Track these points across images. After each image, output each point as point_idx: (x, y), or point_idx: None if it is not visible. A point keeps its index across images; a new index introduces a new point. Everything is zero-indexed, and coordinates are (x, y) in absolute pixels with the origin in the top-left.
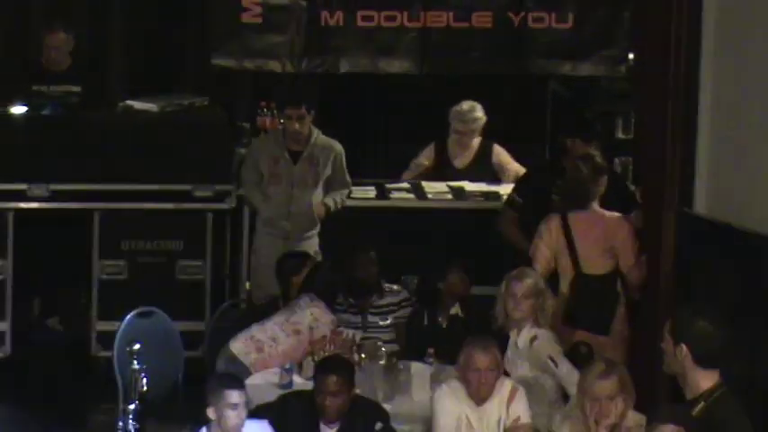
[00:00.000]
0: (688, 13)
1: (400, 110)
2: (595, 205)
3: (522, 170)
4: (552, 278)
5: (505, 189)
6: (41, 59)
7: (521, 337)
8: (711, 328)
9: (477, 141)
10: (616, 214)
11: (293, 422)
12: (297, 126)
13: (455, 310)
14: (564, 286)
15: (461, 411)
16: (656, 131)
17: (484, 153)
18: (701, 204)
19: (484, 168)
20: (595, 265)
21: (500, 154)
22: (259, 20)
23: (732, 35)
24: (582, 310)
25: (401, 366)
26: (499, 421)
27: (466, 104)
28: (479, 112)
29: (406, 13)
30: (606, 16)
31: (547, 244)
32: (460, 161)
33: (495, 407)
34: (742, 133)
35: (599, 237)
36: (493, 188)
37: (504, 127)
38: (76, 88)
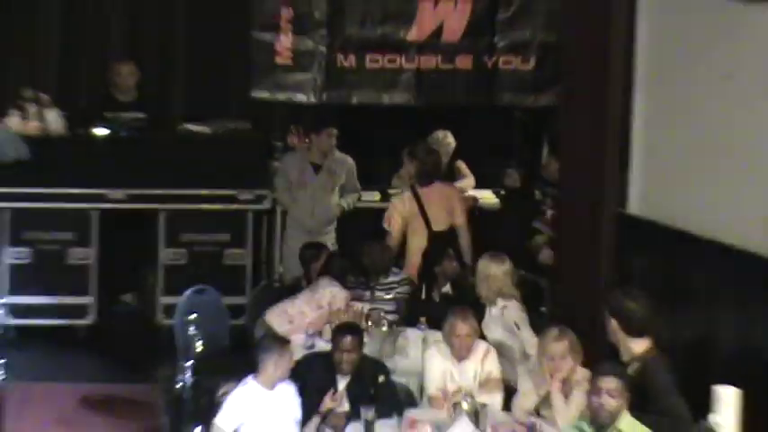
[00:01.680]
0: (624, 36)
1: (397, 133)
2: (437, 182)
3: (472, 180)
4: None
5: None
6: (113, 90)
7: (495, 308)
8: (635, 306)
9: (448, 159)
10: (449, 184)
11: (316, 374)
12: (332, 142)
13: (446, 288)
14: (419, 242)
15: (446, 367)
16: (597, 146)
17: (451, 167)
18: (635, 206)
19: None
20: (440, 223)
21: (461, 167)
22: (289, 62)
23: (660, 59)
24: (436, 255)
25: (399, 332)
26: (475, 375)
27: (440, 132)
28: (450, 138)
29: (403, 57)
30: (559, 58)
31: (400, 213)
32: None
33: (472, 364)
34: (669, 144)
35: (441, 202)
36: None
37: (478, 146)
38: (142, 115)
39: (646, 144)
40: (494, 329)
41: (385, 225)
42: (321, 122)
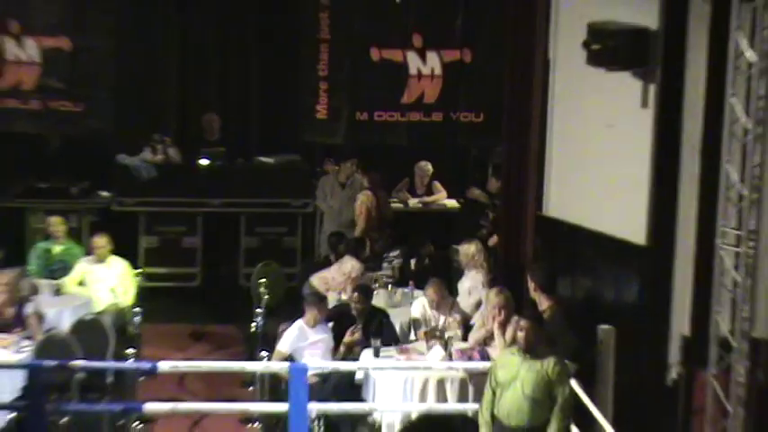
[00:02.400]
0: (541, 98)
1: (395, 162)
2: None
3: (444, 193)
4: None
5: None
6: (204, 133)
7: (467, 272)
8: (546, 274)
9: (427, 179)
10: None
11: (342, 318)
12: (353, 168)
13: (428, 262)
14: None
15: (426, 312)
16: (523, 169)
17: (431, 186)
18: (549, 210)
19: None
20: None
21: (437, 185)
22: (325, 116)
23: (566, 112)
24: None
25: (396, 290)
26: (445, 320)
27: (423, 162)
28: (429, 166)
29: (399, 113)
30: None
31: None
32: (420, 189)
33: (443, 311)
34: (572, 169)
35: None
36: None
37: (447, 171)
38: (223, 149)
39: (557, 169)
40: (463, 288)
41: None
42: (345, 156)
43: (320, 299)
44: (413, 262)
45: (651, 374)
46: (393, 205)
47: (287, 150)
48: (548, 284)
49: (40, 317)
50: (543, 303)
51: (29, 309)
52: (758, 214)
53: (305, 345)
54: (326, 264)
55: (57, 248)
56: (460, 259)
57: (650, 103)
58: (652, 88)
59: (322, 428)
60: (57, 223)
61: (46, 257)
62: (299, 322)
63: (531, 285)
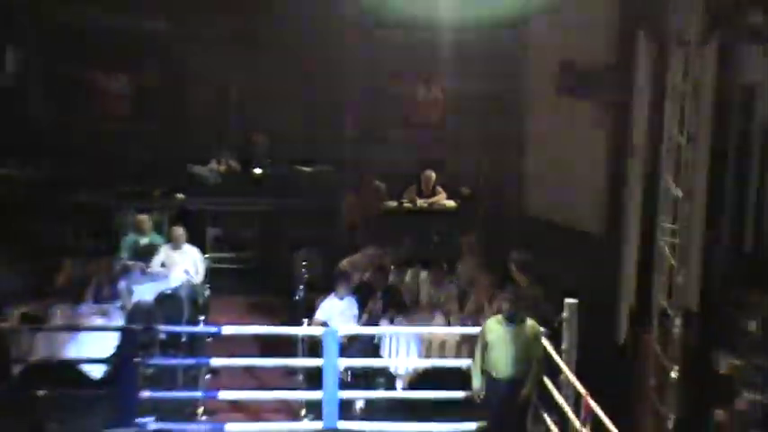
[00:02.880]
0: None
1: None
2: None
3: (444, 195)
4: None
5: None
6: (253, 148)
7: (464, 261)
8: (524, 258)
9: (431, 184)
10: None
11: (365, 292)
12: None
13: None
14: None
15: (429, 288)
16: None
17: (434, 188)
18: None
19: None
20: None
21: (440, 189)
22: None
23: (540, 136)
24: None
25: (405, 270)
26: (446, 294)
27: (428, 171)
28: (433, 174)
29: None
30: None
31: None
32: (425, 192)
33: (443, 288)
34: (546, 171)
35: None
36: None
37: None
38: (270, 160)
39: (533, 175)
40: (462, 266)
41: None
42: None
43: (347, 277)
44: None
45: (606, 337)
46: (405, 205)
47: (319, 161)
48: (524, 266)
49: (130, 291)
50: (522, 282)
51: (122, 285)
52: (689, 212)
53: (336, 313)
54: (354, 250)
55: (143, 240)
56: (462, 248)
57: (605, 124)
58: (606, 111)
59: (349, 378)
60: (143, 221)
61: (134, 248)
62: (332, 295)
63: (513, 268)
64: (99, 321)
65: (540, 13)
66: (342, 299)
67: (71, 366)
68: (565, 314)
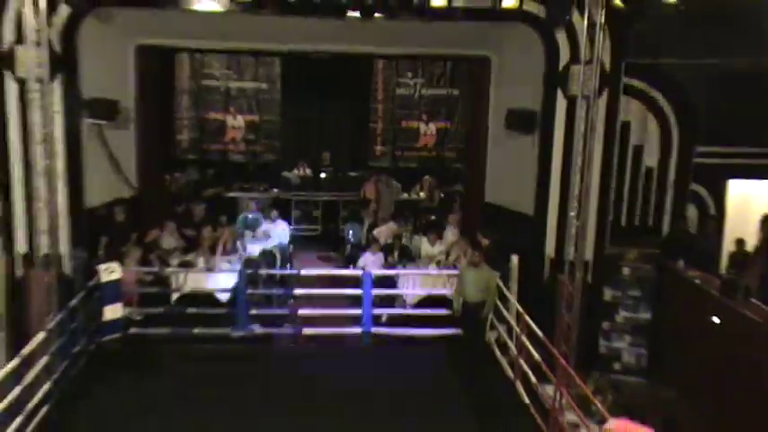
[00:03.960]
0: (484, 140)
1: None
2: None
3: (438, 193)
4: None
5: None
6: (323, 161)
7: (449, 229)
8: (486, 232)
9: (428, 184)
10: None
11: (388, 249)
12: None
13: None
14: None
15: (427, 246)
16: (475, 176)
17: (432, 189)
18: (489, 197)
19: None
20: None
21: (435, 189)
22: (380, 153)
23: (496, 147)
24: None
25: (413, 237)
26: (439, 251)
27: (427, 176)
28: (432, 179)
29: (416, 152)
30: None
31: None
32: (426, 190)
33: (436, 246)
34: (500, 174)
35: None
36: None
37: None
38: (331, 169)
39: (492, 177)
40: (449, 235)
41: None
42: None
43: (376, 241)
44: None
45: (535, 278)
46: (413, 197)
47: (363, 168)
48: (487, 235)
49: (244, 248)
50: (485, 244)
51: (238, 244)
52: (587, 202)
53: (370, 263)
54: (381, 224)
55: (250, 216)
56: (448, 222)
57: (537, 147)
58: (536, 140)
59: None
60: (250, 205)
61: (245, 222)
62: (368, 252)
63: (479, 236)
64: (225, 266)
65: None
66: (374, 254)
67: (209, 294)
68: (511, 264)
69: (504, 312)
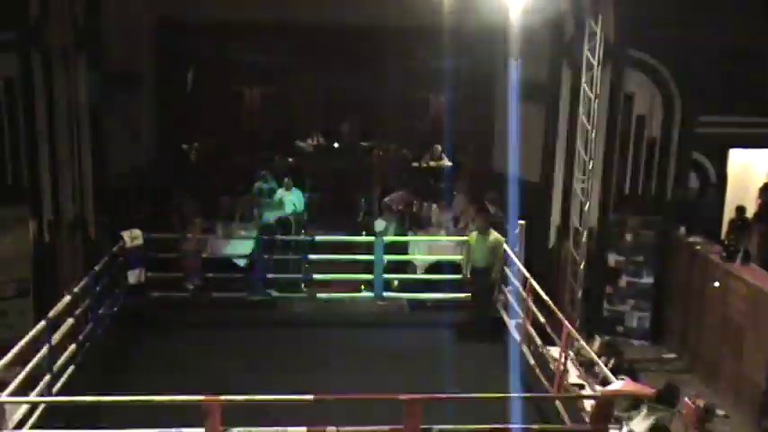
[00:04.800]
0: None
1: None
2: None
3: (446, 161)
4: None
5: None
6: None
7: (458, 198)
8: (492, 195)
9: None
10: None
11: (401, 215)
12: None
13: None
14: None
15: (439, 214)
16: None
17: (441, 155)
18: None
19: None
20: None
21: (443, 156)
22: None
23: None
24: None
25: (424, 204)
26: (447, 218)
27: (436, 144)
28: (439, 147)
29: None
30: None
31: None
32: (434, 157)
33: (445, 213)
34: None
35: None
36: None
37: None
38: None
39: (499, 145)
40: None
41: None
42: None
43: (389, 208)
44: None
45: (542, 244)
46: (423, 165)
47: (375, 137)
48: (494, 201)
49: (261, 215)
50: (492, 210)
51: (255, 211)
52: (592, 170)
53: (383, 229)
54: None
55: (266, 186)
56: (457, 189)
57: (543, 116)
58: (544, 108)
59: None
60: (268, 176)
61: (261, 190)
62: (380, 219)
63: (487, 202)
64: (243, 233)
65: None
66: (386, 221)
67: (228, 259)
68: (517, 230)
69: (511, 277)
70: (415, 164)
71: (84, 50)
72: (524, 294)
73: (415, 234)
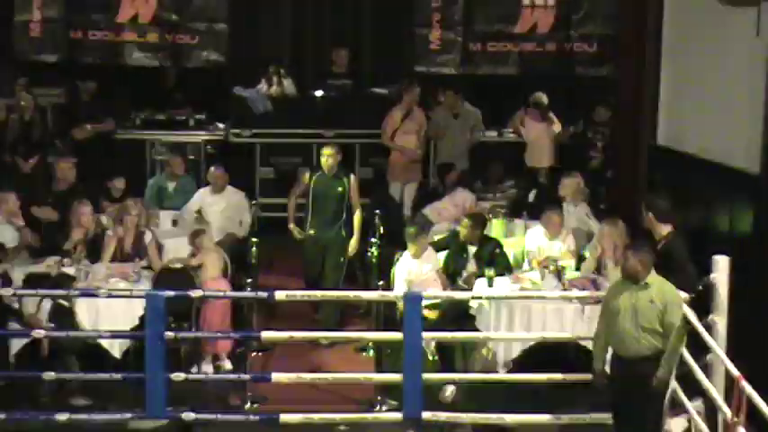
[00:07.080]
0: (655, 29)
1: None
2: None
3: (559, 124)
4: None
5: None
6: (333, 66)
7: (571, 206)
8: (662, 202)
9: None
10: None
11: (454, 245)
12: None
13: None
14: None
15: (540, 242)
16: (636, 94)
17: (545, 115)
18: (662, 139)
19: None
20: None
21: (552, 115)
22: (438, 47)
23: (677, 45)
24: None
25: (510, 220)
26: (559, 249)
27: (539, 93)
28: (545, 98)
29: (511, 44)
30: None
31: None
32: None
33: (558, 241)
34: (687, 91)
35: None
36: None
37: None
38: (349, 82)
39: (670, 99)
40: (570, 220)
41: None
42: (456, 87)
43: (417, 234)
44: (532, 194)
45: (762, 302)
46: (506, 138)
47: (400, 81)
48: (664, 212)
49: (159, 246)
50: (663, 231)
51: (147, 239)
52: None
53: (414, 276)
54: (436, 195)
55: (170, 185)
56: (564, 191)
57: (763, 32)
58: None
59: (435, 357)
60: (177, 164)
61: (159, 194)
62: (406, 255)
63: (648, 215)
64: (120, 285)
65: None
66: (418, 258)
67: (86, 342)
68: (713, 274)
69: (700, 376)
70: (492, 133)
71: None
72: (729, 415)
73: (492, 283)
